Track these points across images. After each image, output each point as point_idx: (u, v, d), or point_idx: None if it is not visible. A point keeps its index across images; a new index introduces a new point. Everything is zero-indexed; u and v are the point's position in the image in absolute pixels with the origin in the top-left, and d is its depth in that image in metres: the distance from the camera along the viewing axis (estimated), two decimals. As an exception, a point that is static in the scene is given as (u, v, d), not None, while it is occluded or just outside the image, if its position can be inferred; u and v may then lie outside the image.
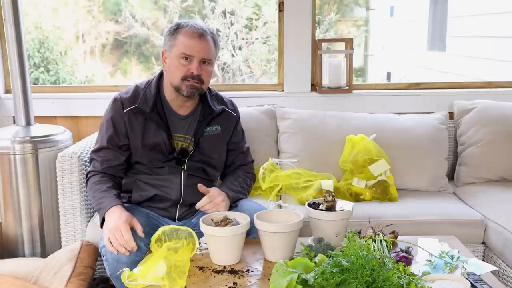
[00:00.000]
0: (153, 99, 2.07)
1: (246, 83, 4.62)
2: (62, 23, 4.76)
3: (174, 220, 2.15)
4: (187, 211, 2.15)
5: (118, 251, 1.82)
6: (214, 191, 2.03)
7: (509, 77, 4.07)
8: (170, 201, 2.12)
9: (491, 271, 1.70)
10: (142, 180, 2.13)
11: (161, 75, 2.15)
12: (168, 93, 2.11)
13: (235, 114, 2.25)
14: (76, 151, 2.36)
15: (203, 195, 2.05)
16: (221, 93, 2.28)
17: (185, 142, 2.12)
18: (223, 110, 2.19)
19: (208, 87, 2.21)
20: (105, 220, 1.91)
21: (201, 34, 2.02)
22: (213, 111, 2.14)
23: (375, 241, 1.77)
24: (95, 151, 2.13)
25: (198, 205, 1.99)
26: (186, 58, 2.01)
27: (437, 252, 1.74)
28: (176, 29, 2.04)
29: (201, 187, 2.03)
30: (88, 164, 2.22)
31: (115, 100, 2.12)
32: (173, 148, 2.10)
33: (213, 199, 1.99)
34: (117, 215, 1.87)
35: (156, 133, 2.07)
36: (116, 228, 1.83)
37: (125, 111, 2.07)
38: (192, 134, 2.12)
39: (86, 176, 2.13)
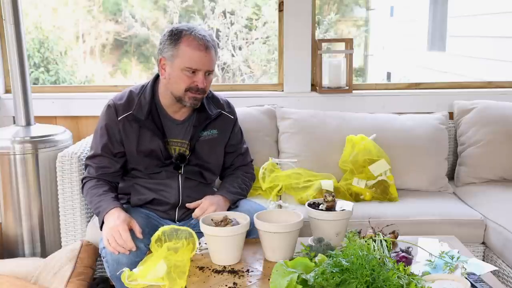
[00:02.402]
0: (148, 106, 2.04)
1: (246, 83, 4.62)
2: (62, 23, 4.75)
3: (174, 221, 2.14)
4: (186, 212, 2.14)
5: (118, 251, 1.82)
6: (205, 202, 2.01)
7: (509, 77, 4.07)
8: (169, 205, 2.11)
9: (491, 271, 1.70)
10: (140, 184, 2.11)
11: (155, 79, 2.10)
12: (165, 99, 2.07)
13: (232, 117, 2.22)
14: (76, 151, 2.36)
15: (200, 195, 2.05)
16: (217, 94, 2.24)
17: (182, 147, 2.10)
18: (220, 113, 2.16)
19: None
20: (104, 222, 1.91)
21: (206, 46, 1.96)
22: (210, 116, 2.11)
23: (375, 241, 1.77)
24: (90, 158, 2.11)
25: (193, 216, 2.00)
26: (192, 71, 1.97)
27: (437, 252, 1.74)
28: (179, 39, 1.96)
29: (189, 205, 2.05)
30: (84, 168, 2.20)
31: (109, 106, 2.08)
32: (169, 154, 2.08)
33: (204, 211, 1.97)
34: (115, 216, 1.87)
35: (152, 140, 2.05)
36: (114, 228, 1.83)
37: (119, 118, 2.04)
38: (189, 139, 2.10)
39: (82, 182, 2.11)
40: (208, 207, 1.98)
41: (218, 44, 2.11)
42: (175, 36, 1.97)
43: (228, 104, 2.24)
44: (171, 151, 2.09)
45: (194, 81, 1.98)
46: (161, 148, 2.06)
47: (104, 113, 2.09)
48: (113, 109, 2.07)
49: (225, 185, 2.17)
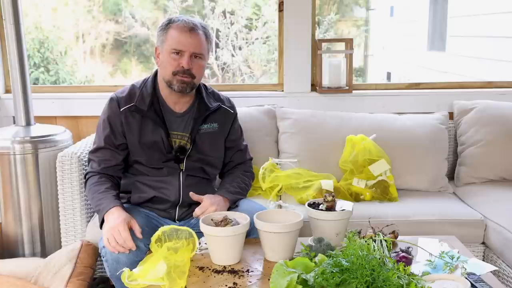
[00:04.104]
0: (149, 97, 2.08)
1: (246, 83, 4.62)
2: (62, 23, 4.76)
3: (174, 221, 2.14)
4: (186, 211, 2.15)
5: (117, 251, 1.82)
6: (206, 201, 2.00)
7: (509, 77, 4.07)
8: (169, 203, 2.12)
9: (491, 271, 1.70)
10: (141, 182, 2.12)
11: (156, 73, 2.15)
12: (163, 89, 2.11)
13: (232, 111, 2.24)
14: (76, 151, 2.36)
15: (201, 193, 2.05)
16: (218, 91, 2.27)
17: (183, 140, 2.12)
18: (219, 107, 2.18)
19: (205, 85, 2.21)
20: (104, 220, 1.91)
21: (191, 28, 2.02)
22: (209, 108, 2.14)
23: (375, 241, 1.77)
24: (92, 152, 2.13)
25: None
26: (177, 53, 2.01)
27: (437, 252, 1.74)
28: (168, 24, 2.04)
29: (193, 195, 2.03)
30: (87, 163, 2.21)
31: (111, 99, 2.12)
32: (171, 146, 2.10)
33: (205, 210, 1.97)
34: (115, 216, 1.88)
35: (154, 131, 2.07)
36: (114, 227, 1.83)
37: (121, 110, 2.07)
38: (189, 131, 2.12)
39: (85, 177, 2.13)
40: (208, 207, 1.98)
41: (210, 33, 2.11)
42: (165, 23, 2.06)
43: (229, 99, 2.27)
44: (172, 143, 2.10)
45: (180, 63, 2.02)
46: (164, 139, 2.07)
47: (107, 106, 2.12)
48: (115, 101, 2.10)
49: (224, 184, 2.17)
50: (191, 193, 2.04)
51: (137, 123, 2.08)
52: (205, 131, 2.14)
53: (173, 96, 2.10)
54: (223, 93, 2.31)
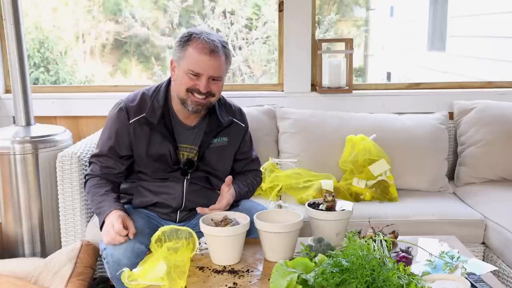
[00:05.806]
0: (161, 110, 2.01)
1: (246, 83, 4.62)
2: (62, 23, 4.76)
3: (175, 223, 2.13)
4: (187, 214, 2.13)
5: (116, 241, 1.82)
6: (229, 199, 2.01)
7: (509, 77, 4.07)
8: (171, 208, 2.10)
9: (491, 271, 1.71)
10: (143, 187, 2.09)
11: (169, 82, 2.07)
12: (175, 103, 2.04)
13: (243, 125, 2.18)
14: (76, 151, 2.35)
15: (203, 200, 2.04)
16: (229, 100, 2.20)
17: (191, 153, 2.07)
18: (231, 122, 2.12)
19: None
20: (105, 223, 1.91)
21: (212, 50, 1.91)
22: (221, 124, 2.08)
23: (375, 241, 1.77)
24: (95, 156, 2.08)
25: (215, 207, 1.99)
26: (194, 74, 1.93)
27: (437, 252, 1.74)
28: (187, 41, 1.94)
29: (225, 186, 2.02)
30: (88, 165, 2.20)
31: (120, 110, 2.04)
32: (178, 159, 2.06)
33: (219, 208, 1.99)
34: (112, 216, 1.88)
35: (162, 144, 2.02)
36: (108, 223, 1.85)
37: (130, 122, 2.01)
38: (198, 145, 2.07)
39: (84, 178, 2.11)
40: (225, 206, 1.99)
41: (230, 51, 2.01)
42: (185, 38, 1.95)
43: (240, 111, 2.20)
44: (180, 156, 2.07)
45: (196, 84, 1.94)
46: (171, 152, 2.03)
47: (115, 116, 2.05)
48: (124, 112, 2.02)
49: (235, 181, 2.12)
50: (226, 180, 2.01)
51: (146, 135, 2.02)
52: (215, 146, 2.09)
53: (185, 111, 2.02)
54: (224, 94, 2.28)
